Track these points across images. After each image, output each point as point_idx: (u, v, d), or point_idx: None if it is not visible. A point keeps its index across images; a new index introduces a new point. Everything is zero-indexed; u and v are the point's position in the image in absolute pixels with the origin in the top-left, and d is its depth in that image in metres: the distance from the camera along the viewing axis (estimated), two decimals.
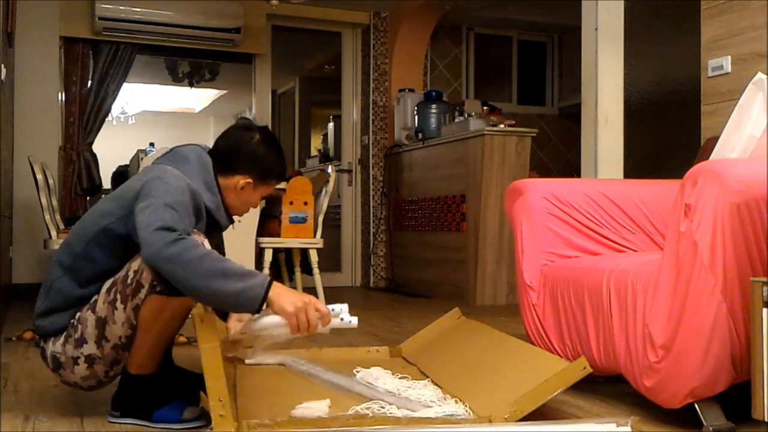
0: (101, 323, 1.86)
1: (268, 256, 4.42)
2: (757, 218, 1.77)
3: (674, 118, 3.94)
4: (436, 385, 2.13)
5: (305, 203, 4.51)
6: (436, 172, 5.58)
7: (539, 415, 1.77)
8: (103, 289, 1.88)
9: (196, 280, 1.67)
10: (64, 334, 1.91)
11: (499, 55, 7.16)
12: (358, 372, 2.23)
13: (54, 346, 1.92)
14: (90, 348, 1.88)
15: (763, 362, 1.62)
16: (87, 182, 5.61)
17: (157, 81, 8.12)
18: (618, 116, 4.05)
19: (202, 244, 1.79)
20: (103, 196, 5.16)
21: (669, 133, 4.02)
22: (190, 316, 1.85)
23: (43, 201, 3.99)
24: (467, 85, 6.95)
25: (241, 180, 2.06)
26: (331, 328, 1.83)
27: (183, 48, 5.99)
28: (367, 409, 1.87)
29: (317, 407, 1.87)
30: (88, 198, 5.72)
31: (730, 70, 3.07)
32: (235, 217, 2.15)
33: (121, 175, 5.98)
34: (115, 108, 8.17)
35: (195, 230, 1.86)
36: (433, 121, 5.76)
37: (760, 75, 2.21)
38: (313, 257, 4.54)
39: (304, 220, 4.50)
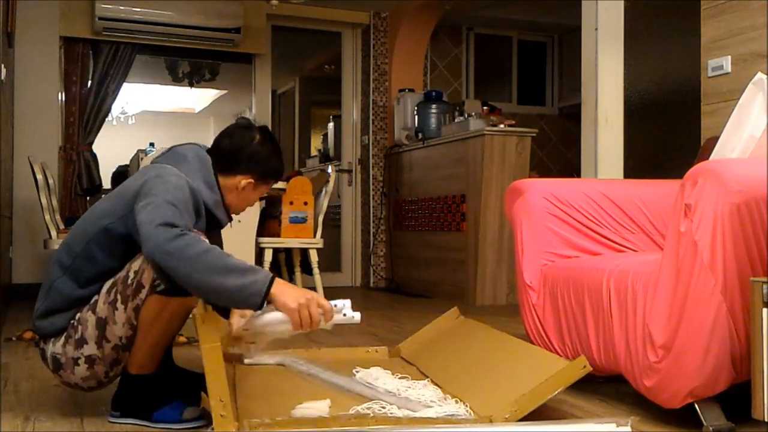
0: (101, 324, 1.86)
1: (268, 256, 4.42)
2: (757, 218, 1.77)
3: (674, 118, 3.95)
4: (436, 385, 2.13)
5: (305, 203, 4.51)
6: (436, 172, 5.58)
7: (539, 415, 1.77)
8: (104, 290, 1.88)
9: (199, 275, 1.67)
10: (64, 334, 1.91)
11: (499, 55, 7.16)
12: (357, 372, 2.23)
13: (54, 347, 1.92)
14: (90, 348, 1.88)
15: (763, 362, 1.62)
16: (87, 182, 5.61)
17: (157, 81, 8.12)
18: (618, 116, 4.05)
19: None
20: (103, 196, 5.16)
21: (669, 133, 4.02)
22: (190, 316, 1.85)
23: (43, 201, 3.99)
24: (467, 85, 6.95)
25: (243, 180, 2.06)
26: (334, 324, 1.82)
27: (183, 48, 5.98)
28: (368, 409, 1.88)
29: (317, 407, 1.87)
30: (88, 198, 5.72)
31: (730, 70, 3.07)
32: (233, 216, 2.16)
33: (121, 175, 5.98)
34: (115, 108, 8.17)
35: (195, 229, 1.86)
36: (433, 121, 5.76)
37: (760, 75, 2.21)
38: (313, 257, 4.55)
39: (304, 220, 4.50)
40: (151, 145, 4.82)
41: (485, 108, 5.60)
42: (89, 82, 5.68)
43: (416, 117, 5.87)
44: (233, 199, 2.09)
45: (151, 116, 9.73)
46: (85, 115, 5.63)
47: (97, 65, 5.68)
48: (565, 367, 1.81)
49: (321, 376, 2.20)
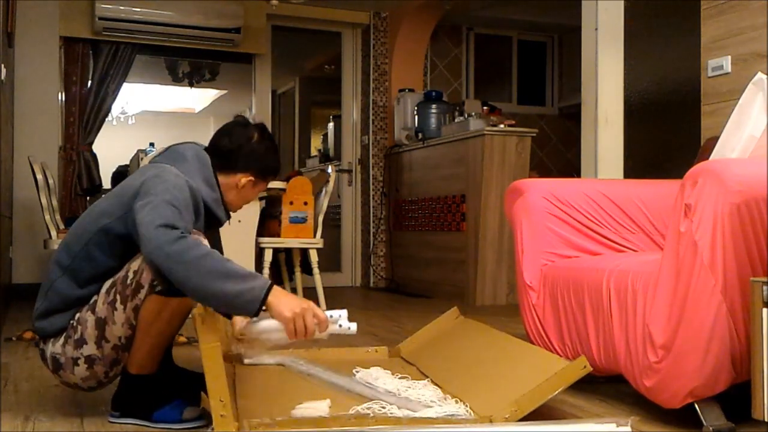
0: (101, 324, 1.86)
1: (268, 256, 4.42)
2: (757, 218, 1.77)
3: (674, 118, 3.94)
4: (436, 385, 2.13)
5: (305, 203, 4.51)
6: (436, 172, 5.58)
7: (539, 414, 1.77)
8: (103, 290, 1.88)
9: (197, 279, 1.67)
10: (64, 335, 1.91)
11: (499, 55, 7.16)
12: (357, 372, 2.23)
13: (54, 347, 1.92)
14: (90, 349, 1.88)
15: (763, 362, 1.62)
16: (87, 182, 5.61)
17: (157, 81, 8.11)
18: (618, 116, 4.05)
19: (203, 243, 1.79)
20: (102, 196, 5.16)
21: (669, 133, 4.02)
22: (190, 316, 1.85)
23: (43, 201, 3.99)
24: (467, 85, 6.95)
25: (243, 178, 2.07)
26: (330, 334, 1.83)
27: (183, 48, 5.99)
28: (368, 409, 1.87)
29: (317, 407, 1.87)
30: (88, 198, 5.72)
31: (730, 70, 3.07)
32: (232, 215, 2.17)
33: (121, 174, 5.98)
34: (115, 108, 8.16)
35: (194, 229, 1.86)
36: (433, 121, 5.76)
37: (760, 75, 2.20)
38: (313, 257, 4.54)
39: (304, 220, 4.50)
40: (151, 145, 4.82)
41: (485, 108, 5.60)
42: (89, 82, 5.68)
43: (416, 117, 5.87)
44: (233, 197, 2.10)
45: (151, 116, 9.73)
46: (85, 115, 5.63)
47: (97, 65, 5.68)
48: (566, 368, 1.81)
49: (321, 376, 2.20)
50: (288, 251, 4.93)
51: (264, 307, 1.71)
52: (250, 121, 2.17)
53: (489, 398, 1.88)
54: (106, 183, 6.02)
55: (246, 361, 2.37)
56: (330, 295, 4.87)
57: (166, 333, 1.90)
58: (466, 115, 5.33)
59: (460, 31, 6.90)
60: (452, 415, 1.83)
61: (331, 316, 1.83)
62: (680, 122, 3.85)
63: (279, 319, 1.74)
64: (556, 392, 1.77)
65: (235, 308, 1.73)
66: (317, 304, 4.46)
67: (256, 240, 4.43)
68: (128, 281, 1.83)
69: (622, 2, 4.04)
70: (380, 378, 2.17)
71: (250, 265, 4.36)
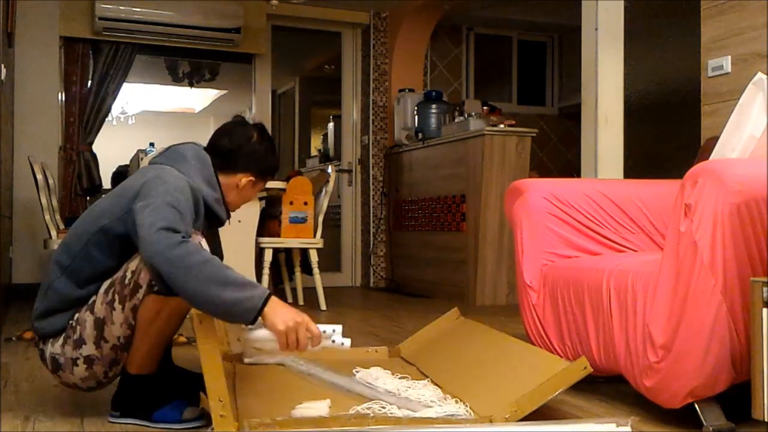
0: (100, 324, 1.86)
1: (268, 256, 4.42)
2: (757, 218, 1.76)
3: (674, 118, 3.94)
4: (436, 385, 2.13)
5: (305, 203, 4.51)
6: (436, 172, 5.58)
7: (539, 415, 1.76)
8: (101, 290, 1.88)
9: (196, 285, 1.67)
10: (63, 335, 1.91)
11: (499, 55, 7.16)
12: (357, 372, 2.23)
13: (53, 348, 1.92)
14: (89, 349, 1.88)
15: (763, 362, 1.62)
16: (87, 182, 5.61)
17: (157, 81, 8.12)
18: (618, 116, 4.05)
19: (202, 246, 1.79)
20: (102, 196, 5.16)
21: (669, 133, 4.02)
22: (188, 316, 1.85)
23: (43, 201, 3.99)
24: (467, 85, 6.95)
25: (243, 178, 2.08)
26: (323, 348, 1.83)
27: (183, 48, 5.99)
28: (368, 409, 1.87)
29: (317, 407, 1.86)
30: (88, 198, 5.72)
31: (730, 70, 3.07)
32: (232, 215, 2.18)
33: (121, 175, 5.98)
34: (115, 108, 8.17)
35: (194, 229, 1.86)
36: (433, 121, 5.76)
37: (760, 75, 2.20)
38: (313, 257, 4.55)
39: (304, 220, 4.51)
40: (151, 145, 4.83)
41: (485, 108, 5.60)
42: (89, 82, 5.68)
43: (416, 117, 5.87)
44: (233, 196, 2.11)
45: (151, 116, 9.73)
46: (85, 115, 5.63)
47: (97, 65, 5.68)
48: (566, 368, 1.80)
49: (321, 376, 2.19)
50: (288, 251, 4.94)
51: (260, 317, 1.71)
52: (249, 121, 2.18)
53: (489, 398, 1.88)
54: (106, 183, 6.03)
55: (246, 360, 2.36)
56: (330, 295, 4.87)
57: (165, 333, 1.90)
58: (466, 115, 5.33)
59: (460, 31, 6.90)
60: (452, 415, 1.82)
61: (325, 331, 1.83)
62: (680, 122, 3.85)
63: (272, 331, 1.73)
64: (557, 393, 1.77)
65: (232, 316, 1.72)
66: (317, 303, 4.51)
67: (256, 240, 4.44)
68: (126, 281, 1.83)
69: (622, 2, 4.05)
70: (380, 378, 2.17)
71: (250, 265, 4.36)
